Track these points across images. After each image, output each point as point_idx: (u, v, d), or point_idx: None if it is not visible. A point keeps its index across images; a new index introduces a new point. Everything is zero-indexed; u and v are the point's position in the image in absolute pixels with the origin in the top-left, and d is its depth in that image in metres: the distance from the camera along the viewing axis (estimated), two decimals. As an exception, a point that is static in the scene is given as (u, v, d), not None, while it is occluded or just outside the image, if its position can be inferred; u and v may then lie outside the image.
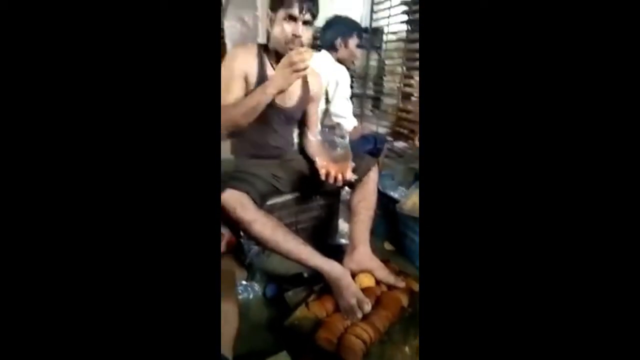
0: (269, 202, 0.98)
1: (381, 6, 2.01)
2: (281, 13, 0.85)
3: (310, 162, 1.01)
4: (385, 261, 0.92)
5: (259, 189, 0.87)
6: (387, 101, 2.23)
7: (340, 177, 0.83)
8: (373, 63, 2.29)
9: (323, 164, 0.84)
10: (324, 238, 1.15)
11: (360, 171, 0.94)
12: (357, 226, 0.93)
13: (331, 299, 0.81)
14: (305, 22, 0.85)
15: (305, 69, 0.77)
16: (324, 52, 1.46)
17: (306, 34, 0.86)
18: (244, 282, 0.95)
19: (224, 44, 1.91)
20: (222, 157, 1.01)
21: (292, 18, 0.84)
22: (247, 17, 1.94)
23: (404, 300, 0.82)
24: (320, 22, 1.14)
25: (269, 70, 0.92)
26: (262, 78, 0.89)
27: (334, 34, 1.44)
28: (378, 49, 2.28)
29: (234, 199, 0.78)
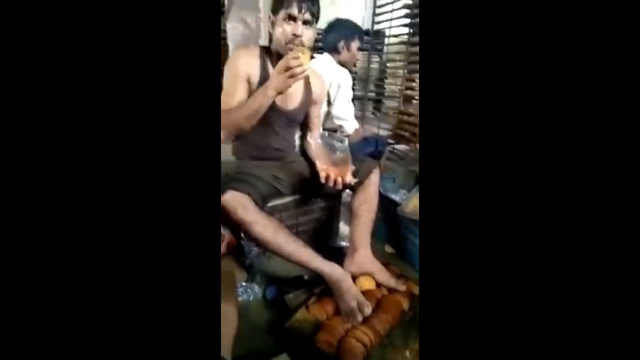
0: (270, 204, 0.98)
1: (383, 9, 2.02)
2: (281, 14, 0.85)
3: (312, 165, 1.01)
4: (385, 264, 0.92)
5: (260, 191, 0.87)
6: (389, 104, 2.23)
7: (340, 180, 0.83)
8: (375, 65, 2.29)
9: (323, 167, 0.84)
10: (324, 240, 1.15)
11: (362, 174, 0.94)
12: (358, 229, 0.93)
13: (331, 302, 0.80)
14: (305, 22, 0.85)
15: (302, 72, 0.77)
16: (325, 54, 1.47)
17: (306, 33, 0.86)
18: (244, 284, 0.95)
19: (226, 46, 1.91)
20: (223, 159, 1.01)
21: (291, 18, 0.85)
22: (250, 18, 1.94)
23: (405, 304, 0.82)
24: (322, 24, 1.15)
25: (271, 73, 0.92)
26: (264, 80, 0.89)
27: (336, 36, 1.44)
28: (380, 51, 2.28)
29: (236, 201, 0.78)
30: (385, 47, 2.24)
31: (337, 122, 1.48)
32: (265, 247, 0.83)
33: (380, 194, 1.02)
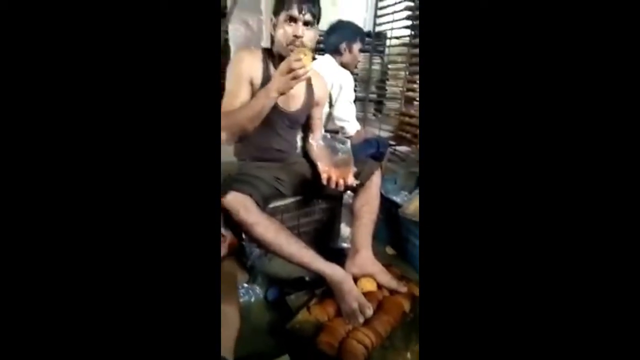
0: (272, 205, 0.98)
1: (385, 11, 2.02)
2: (282, 16, 0.86)
3: (313, 166, 1.01)
4: (387, 265, 0.92)
5: (262, 192, 0.87)
6: (390, 105, 2.23)
7: (341, 182, 0.83)
8: (376, 67, 2.30)
9: (325, 169, 0.84)
10: (326, 242, 1.15)
11: (363, 175, 0.94)
12: (360, 230, 0.93)
13: (333, 303, 0.80)
14: (306, 23, 0.86)
15: (305, 73, 0.77)
16: (327, 56, 1.47)
17: (308, 34, 0.86)
18: (245, 285, 0.95)
19: (228, 47, 1.92)
20: (225, 160, 1.01)
21: (292, 19, 0.85)
22: (252, 20, 1.95)
23: (406, 305, 0.82)
24: (323, 26, 1.15)
25: (274, 74, 0.93)
26: (266, 82, 0.90)
27: (338, 38, 1.45)
28: (381, 53, 2.29)
29: (237, 202, 0.79)
30: (386, 49, 2.24)
31: (339, 123, 1.48)
32: (266, 248, 0.83)
33: (381, 195, 1.02)
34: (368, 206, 0.96)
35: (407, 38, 1.92)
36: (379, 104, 2.34)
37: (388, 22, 1.99)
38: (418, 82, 1.87)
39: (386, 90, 2.31)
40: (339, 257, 0.92)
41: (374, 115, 2.37)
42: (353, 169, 0.85)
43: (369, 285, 0.86)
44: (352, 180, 0.84)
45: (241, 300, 0.89)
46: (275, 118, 0.94)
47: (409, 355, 0.71)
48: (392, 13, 1.93)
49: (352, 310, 0.76)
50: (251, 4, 1.92)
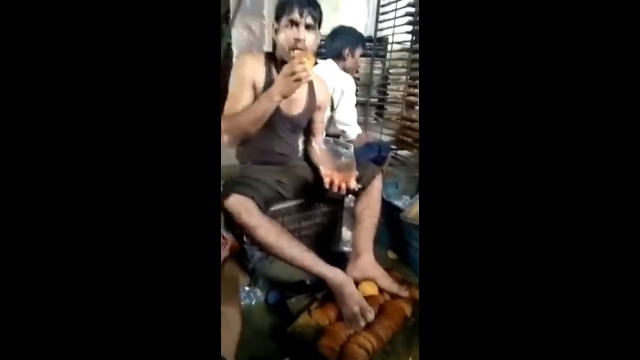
0: (273, 209, 0.98)
1: (386, 16, 2.04)
2: (284, 20, 0.86)
3: (315, 170, 1.01)
4: (388, 270, 0.92)
5: (264, 195, 0.87)
6: (391, 110, 2.24)
7: (344, 186, 0.83)
8: (377, 72, 2.31)
9: (327, 173, 0.85)
10: (327, 245, 1.15)
11: (365, 180, 0.95)
12: (361, 234, 0.93)
13: (334, 308, 0.80)
14: (307, 27, 0.86)
15: (307, 77, 0.78)
16: (329, 61, 1.48)
17: (309, 38, 0.87)
18: (247, 288, 0.95)
19: (232, 52, 1.94)
20: (227, 163, 1.02)
21: (294, 23, 0.86)
22: (254, 25, 1.97)
23: (408, 310, 0.82)
24: (325, 31, 1.16)
25: (276, 78, 0.93)
26: (269, 86, 0.90)
27: (341, 44, 1.46)
28: (382, 58, 2.30)
29: (239, 205, 0.79)
30: (388, 54, 2.26)
31: (340, 127, 1.49)
32: (268, 252, 0.83)
33: (383, 199, 1.02)
34: (370, 210, 0.96)
35: (409, 43, 1.94)
36: (381, 108, 2.35)
37: (389, 27, 2.01)
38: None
39: (387, 94, 2.32)
40: (340, 261, 0.91)
41: (376, 119, 2.38)
42: (355, 173, 0.85)
43: (370, 289, 0.85)
44: (354, 185, 0.85)
45: (242, 303, 0.89)
46: (277, 122, 0.94)
47: (410, 359, 0.71)
48: (394, 18, 1.95)
49: (354, 315, 0.76)
50: (254, 9, 1.94)
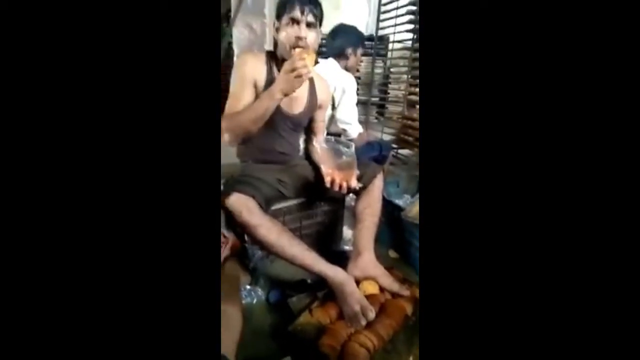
0: (274, 207, 0.98)
1: (387, 15, 2.03)
2: (285, 18, 0.86)
3: (316, 168, 1.01)
4: (389, 269, 0.92)
5: (265, 194, 0.87)
6: (392, 109, 2.24)
7: (345, 185, 0.83)
8: (378, 70, 2.30)
9: (328, 172, 0.85)
10: (328, 244, 1.15)
11: (366, 178, 0.95)
12: (362, 233, 0.93)
13: (335, 306, 0.80)
14: (308, 25, 0.86)
15: (307, 73, 0.78)
16: (330, 59, 1.48)
17: (310, 36, 0.87)
18: (247, 287, 0.95)
19: (232, 51, 1.93)
20: (228, 162, 1.02)
21: (295, 21, 0.86)
22: (255, 24, 1.97)
23: (408, 309, 0.82)
24: (325, 29, 1.16)
25: (277, 76, 0.93)
26: (270, 84, 0.90)
27: (344, 42, 1.46)
28: (384, 56, 2.30)
29: (240, 203, 0.79)
30: (389, 52, 2.25)
31: (341, 126, 1.49)
32: (269, 250, 0.83)
33: (383, 198, 1.02)
34: (370, 209, 0.96)
35: (410, 42, 1.93)
36: (382, 107, 2.34)
37: (391, 26, 2.00)
38: (420, 85, 1.87)
39: (388, 93, 2.31)
40: (341, 259, 0.92)
41: (377, 118, 2.37)
42: (356, 172, 0.85)
43: (371, 288, 0.85)
44: (355, 183, 0.85)
45: (243, 302, 0.89)
46: (278, 120, 0.94)
47: (411, 358, 0.71)
48: (395, 17, 1.94)
49: (355, 313, 0.76)
50: (255, 8, 1.93)
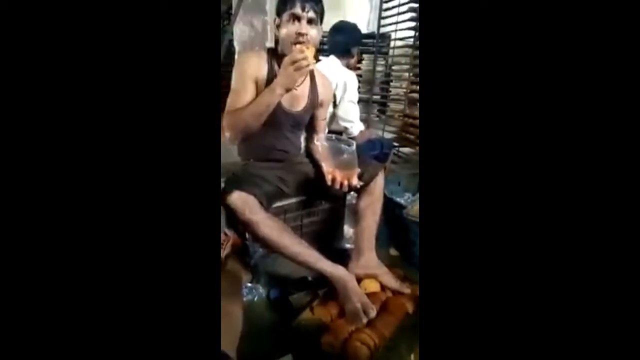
0: (275, 205, 0.98)
1: (389, 12, 2.02)
2: (286, 15, 0.86)
3: (317, 166, 1.01)
4: (390, 267, 0.92)
5: (266, 192, 0.87)
6: (394, 106, 2.23)
7: (346, 183, 0.83)
8: (380, 68, 2.29)
9: (329, 170, 0.85)
10: (329, 242, 1.15)
11: (367, 176, 0.94)
12: (363, 231, 0.93)
13: (336, 304, 0.80)
14: (309, 21, 0.86)
15: (307, 65, 0.78)
16: (332, 57, 1.47)
17: (311, 32, 0.87)
18: (248, 284, 0.95)
19: (234, 48, 1.93)
20: (230, 160, 1.02)
21: (296, 18, 0.85)
22: (256, 21, 1.96)
23: (409, 307, 0.82)
24: (326, 26, 1.15)
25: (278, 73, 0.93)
26: (271, 81, 0.90)
27: (348, 40, 1.46)
28: (385, 54, 2.29)
29: (242, 201, 0.79)
30: (390, 50, 2.24)
31: (343, 123, 1.49)
32: (270, 248, 0.83)
33: (385, 196, 1.02)
34: (371, 207, 0.96)
35: (411, 39, 1.92)
36: (383, 105, 2.33)
37: (392, 24, 1.99)
38: (422, 83, 1.86)
39: (390, 91, 2.31)
40: (342, 257, 0.92)
41: (378, 116, 2.37)
42: (357, 170, 0.85)
43: (372, 286, 0.86)
44: (356, 182, 0.84)
45: (244, 299, 0.89)
46: (279, 118, 0.94)
47: (412, 356, 0.71)
48: (397, 14, 1.93)
49: (356, 311, 0.76)
50: (256, 5, 1.93)
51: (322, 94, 1.03)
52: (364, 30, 2.31)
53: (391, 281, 0.87)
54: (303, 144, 1.14)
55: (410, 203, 1.12)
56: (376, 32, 2.12)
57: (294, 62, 0.77)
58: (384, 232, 1.11)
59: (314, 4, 0.86)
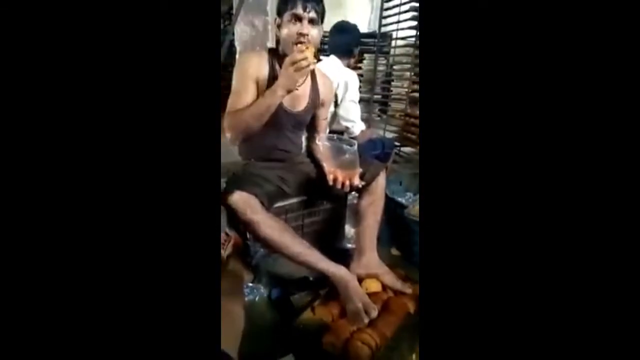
0: (276, 205, 0.98)
1: (390, 12, 2.02)
2: (287, 15, 0.86)
3: (318, 166, 1.01)
4: (392, 266, 0.92)
5: (267, 191, 0.87)
6: (395, 106, 2.23)
7: (347, 182, 0.83)
8: (381, 68, 2.29)
9: (331, 170, 0.84)
10: (330, 242, 1.15)
11: (368, 176, 0.94)
12: (364, 231, 0.93)
13: (337, 304, 0.80)
14: (310, 21, 0.86)
15: (308, 65, 0.78)
16: (332, 56, 1.47)
17: (312, 32, 0.86)
18: (250, 284, 0.95)
19: (235, 48, 1.93)
20: (231, 160, 1.02)
21: (297, 18, 0.85)
22: (257, 21, 1.96)
23: (411, 307, 0.82)
24: (327, 26, 1.15)
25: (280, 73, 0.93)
26: (272, 81, 0.90)
27: (351, 41, 1.46)
28: (386, 54, 2.28)
29: (243, 201, 0.79)
30: (391, 50, 2.24)
31: (344, 123, 1.49)
32: (271, 248, 0.83)
33: (386, 196, 1.02)
34: (373, 207, 0.96)
35: (413, 39, 1.92)
36: (384, 104, 2.33)
37: (393, 23, 1.99)
38: (423, 83, 1.86)
39: (391, 91, 2.30)
40: (343, 257, 0.92)
41: (379, 116, 2.36)
42: (359, 170, 0.85)
43: (373, 286, 0.85)
44: (358, 181, 0.84)
45: (245, 299, 0.89)
46: (280, 118, 0.94)
47: (413, 356, 0.71)
48: (398, 13, 1.93)
49: (357, 311, 0.76)
50: (257, 5, 1.93)
51: (324, 93, 1.03)
52: (365, 29, 2.31)
53: (392, 281, 0.87)
54: (304, 144, 1.13)
55: (412, 203, 1.12)
56: (377, 31, 2.12)
57: (294, 63, 0.77)
58: (386, 232, 1.11)
59: (315, 4, 0.86)
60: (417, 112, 1.90)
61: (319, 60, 1.35)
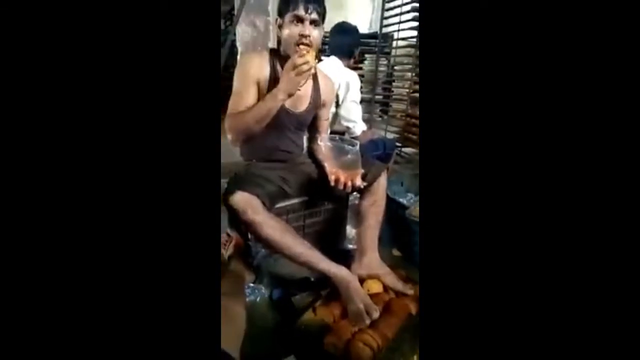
0: (278, 206, 0.98)
1: (391, 12, 2.02)
2: (288, 16, 0.86)
3: (320, 167, 1.01)
4: (392, 267, 0.92)
5: (269, 192, 0.87)
6: (396, 106, 2.22)
7: (349, 183, 0.83)
8: (382, 68, 2.29)
9: (333, 170, 0.84)
10: (331, 243, 1.15)
11: (370, 177, 0.94)
12: (366, 232, 0.93)
13: (338, 305, 0.80)
14: (312, 22, 0.86)
15: (309, 69, 0.78)
16: (333, 57, 1.47)
17: (314, 33, 0.86)
18: (251, 285, 0.95)
19: (236, 49, 1.93)
20: (232, 160, 1.02)
21: (298, 19, 0.85)
22: (259, 21, 1.96)
23: (412, 308, 0.82)
24: (327, 27, 1.15)
25: (281, 74, 0.93)
26: (274, 82, 0.90)
27: (352, 42, 1.46)
28: (387, 54, 2.28)
29: (245, 201, 0.79)
30: (393, 50, 2.24)
31: (345, 123, 1.49)
32: (273, 248, 0.83)
33: (387, 197, 1.02)
34: (374, 208, 0.96)
35: (414, 39, 1.92)
36: (385, 105, 2.33)
37: (395, 24, 1.99)
38: (424, 83, 1.86)
39: (392, 91, 2.30)
40: (344, 258, 0.91)
41: (380, 116, 2.36)
42: (361, 171, 0.85)
43: (375, 286, 0.85)
44: (360, 182, 0.84)
45: (247, 299, 0.89)
46: (282, 119, 0.94)
47: (415, 357, 0.71)
48: (399, 14, 1.93)
49: (359, 312, 0.75)
50: (258, 6, 1.93)
51: (325, 94, 1.03)
52: (366, 30, 2.31)
53: (394, 282, 0.87)
54: (306, 145, 1.13)
55: (413, 203, 1.12)
56: (378, 32, 2.12)
57: (295, 67, 0.77)
58: (387, 232, 1.10)
59: (317, 5, 0.86)
60: (418, 113, 1.90)
61: (319, 60, 1.36)
